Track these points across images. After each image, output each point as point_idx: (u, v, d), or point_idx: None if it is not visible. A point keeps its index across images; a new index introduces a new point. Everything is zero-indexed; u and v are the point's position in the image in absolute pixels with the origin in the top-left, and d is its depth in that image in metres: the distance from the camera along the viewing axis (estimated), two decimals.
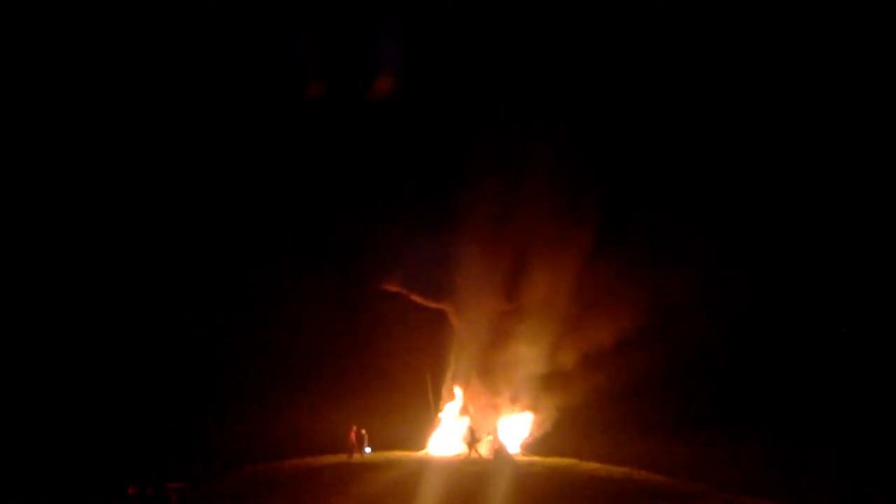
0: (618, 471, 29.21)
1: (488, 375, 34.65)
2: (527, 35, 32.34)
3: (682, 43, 32.31)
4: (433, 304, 35.27)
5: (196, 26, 33.45)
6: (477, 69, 32.70)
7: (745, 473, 28.53)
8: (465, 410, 34.37)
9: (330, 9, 33.90)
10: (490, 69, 32.49)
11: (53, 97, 33.61)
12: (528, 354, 33.61)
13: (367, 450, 32.10)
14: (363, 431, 31.31)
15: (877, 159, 32.65)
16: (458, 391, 34.51)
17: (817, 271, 32.83)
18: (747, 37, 32.31)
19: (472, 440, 32.67)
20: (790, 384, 32.06)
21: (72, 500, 26.75)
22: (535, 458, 31.64)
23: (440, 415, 34.33)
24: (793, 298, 32.82)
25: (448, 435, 33.95)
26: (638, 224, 33.04)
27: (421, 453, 33.08)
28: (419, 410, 34.33)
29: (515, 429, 33.78)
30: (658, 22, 32.32)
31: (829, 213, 32.79)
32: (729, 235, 31.94)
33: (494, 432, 33.40)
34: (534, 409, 33.93)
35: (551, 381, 33.76)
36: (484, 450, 32.37)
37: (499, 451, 31.45)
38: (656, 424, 32.36)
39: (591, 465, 30.01)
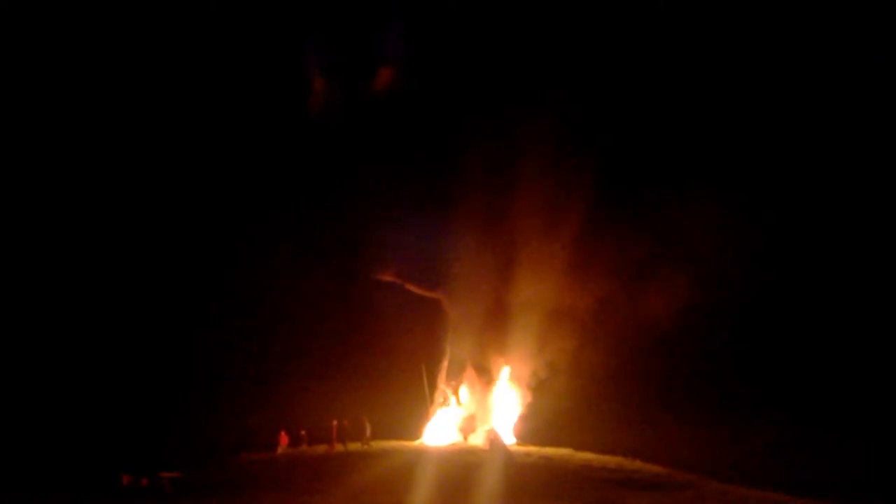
0: (612, 461, 29.33)
1: (483, 364, 34.71)
2: (518, 24, 32.23)
3: (670, 30, 32.06)
4: (428, 294, 35.28)
5: (192, 22, 33.39)
6: (470, 60, 32.62)
7: (738, 464, 28.58)
8: (459, 400, 34.55)
9: (320, 2, 33.82)
10: (483, 60, 32.41)
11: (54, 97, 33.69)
12: (523, 343, 33.63)
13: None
14: (345, 423, 31.40)
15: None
16: (452, 380, 34.63)
17: (818, 268, 32.43)
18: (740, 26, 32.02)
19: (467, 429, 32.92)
20: (785, 377, 31.90)
21: (67, 490, 26.80)
22: (531, 448, 31.68)
23: (435, 405, 34.45)
24: (791, 294, 32.47)
25: (443, 425, 34.05)
26: (636, 214, 32.88)
27: (416, 443, 33.16)
28: (415, 400, 34.37)
29: (510, 418, 33.87)
30: (651, 8, 32.10)
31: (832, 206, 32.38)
32: (733, 230, 31.56)
33: (490, 422, 33.53)
34: (529, 398, 34.00)
35: (546, 370, 33.80)
36: (480, 439, 32.47)
37: (494, 441, 31.47)
38: (651, 415, 32.30)
39: (586, 455, 30.09)
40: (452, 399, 34.63)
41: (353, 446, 31.12)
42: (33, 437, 30.86)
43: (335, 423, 31.25)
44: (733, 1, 32.62)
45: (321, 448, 31.32)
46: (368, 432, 31.59)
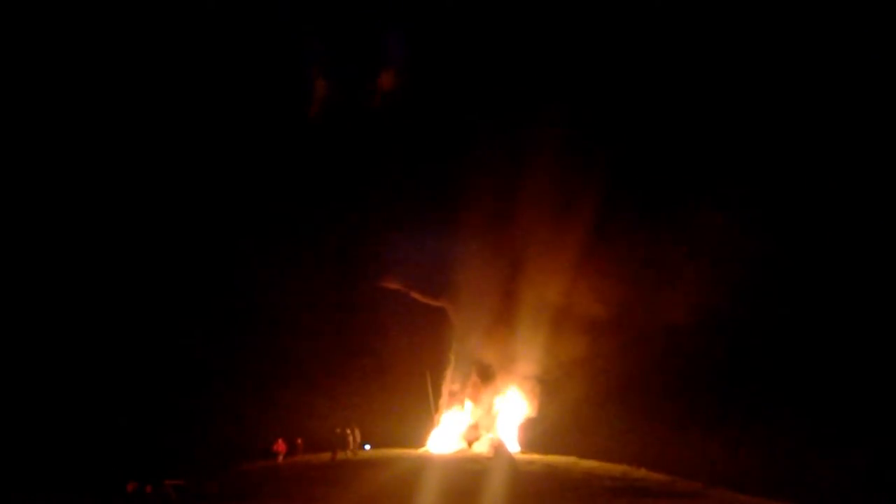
0: (616, 468, 29.23)
1: (488, 372, 34.66)
2: (522, 27, 32.26)
3: (687, 29, 31.93)
4: (433, 302, 35.29)
5: (195, 23, 33.56)
6: (476, 67, 32.68)
7: (742, 472, 28.43)
8: (464, 408, 34.48)
9: (327, 5, 33.96)
10: (488, 65, 32.47)
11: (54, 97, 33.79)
12: (528, 351, 33.57)
13: (367, 447, 32.27)
14: (347, 431, 31.39)
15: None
16: (457, 388, 34.56)
17: (834, 275, 32.12)
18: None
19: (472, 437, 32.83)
20: (789, 384, 31.75)
21: (72, 497, 26.88)
22: (535, 456, 31.63)
23: (439, 412, 34.39)
24: (804, 302, 32.21)
25: (447, 432, 33.99)
26: (647, 218, 32.77)
27: (420, 451, 33.11)
28: (419, 408, 34.34)
29: (514, 425, 33.79)
30: (655, 13, 32.05)
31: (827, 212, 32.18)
32: (746, 235, 31.37)
33: (494, 430, 33.47)
34: (533, 406, 33.93)
35: (551, 378, 33.73)
36: (484, 447, 32.42)
37: (498, 449, 31.43)
38: (656, 423, 32.17)
39: (590, 463, 30.02)
40: (456, 407, 34.54)
41: (357, 455, 31.12)
42: (39, 445, 31.00)
43: (338, 430, 31.25)
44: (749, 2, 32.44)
45: (325, 456, 31.28)
46: (358, 440, 31.59)
